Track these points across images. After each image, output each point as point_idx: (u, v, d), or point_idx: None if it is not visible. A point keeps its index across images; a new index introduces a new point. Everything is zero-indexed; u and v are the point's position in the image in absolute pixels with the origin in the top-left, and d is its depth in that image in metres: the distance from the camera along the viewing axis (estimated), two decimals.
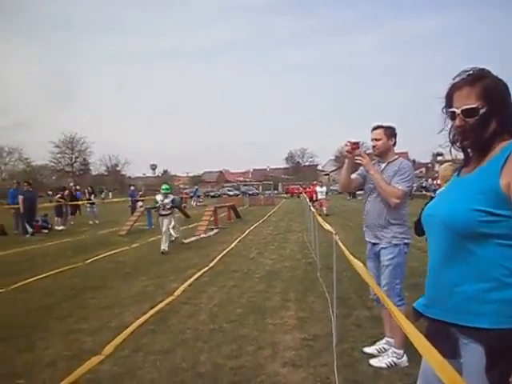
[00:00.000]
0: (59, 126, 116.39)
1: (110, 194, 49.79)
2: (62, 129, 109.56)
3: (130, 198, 22.86)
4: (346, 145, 3.47)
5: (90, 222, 18.81)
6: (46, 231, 16.00)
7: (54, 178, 66.47)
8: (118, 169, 76.39)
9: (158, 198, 10.59)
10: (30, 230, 14.80)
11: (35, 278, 7.45)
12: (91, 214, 19.79)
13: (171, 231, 11.05)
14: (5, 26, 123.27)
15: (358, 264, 2.67)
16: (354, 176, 3.73)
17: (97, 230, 16.02)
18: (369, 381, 3.35)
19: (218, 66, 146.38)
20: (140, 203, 20.60)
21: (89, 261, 9.13)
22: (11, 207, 15.99)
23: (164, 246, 10.00)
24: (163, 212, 10.50)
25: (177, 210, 11.43)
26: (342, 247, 3.50)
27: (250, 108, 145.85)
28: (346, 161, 3.61)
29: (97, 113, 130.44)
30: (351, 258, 2.92)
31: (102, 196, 22.93)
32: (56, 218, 17.31)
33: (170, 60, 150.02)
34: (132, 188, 24.31)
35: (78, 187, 24.88)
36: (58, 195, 18.48)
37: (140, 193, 23.40)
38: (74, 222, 18.68)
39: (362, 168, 3.68)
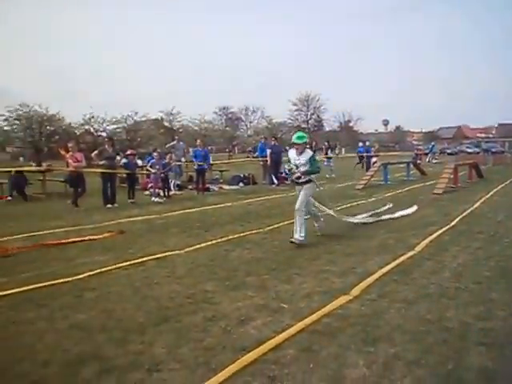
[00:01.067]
0: (297, 85, 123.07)
1: (343, 149, 51.08)
2: (298, 88, 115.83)
3: (358, 154, 24.82)
4: None
5: (327, 176, 19.74)
6: (289, 182, 17.53)
7: (291, 133, 71.02)
8: (350, 125, 77.32)
9: (291, 154, 6.95)
10: (275, 181, 16.44)
11: (285, 222, 8.36)
12: (328, 168, 20.80)
13: (312, 213, 7.26)
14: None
15: None
16: None
17: (334, 183, 16.76)
18: None
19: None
20: (374, 159, 20.77)
21: None
22: (259, 160, 18.00)
23: (298, 235, 6.47)
24: (298, 180, 6.87)
25: (314, 177, 7.00)
26: None
27: (493, 53, 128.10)
28: None
29: (332, 71, 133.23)
30: None
31: (336, 151, 23.93)
32: None
33: (404, 14, 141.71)
34: (360, 144, 26.01)
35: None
36: None
37: (373, 149, 23.53)
38: None
39: None
